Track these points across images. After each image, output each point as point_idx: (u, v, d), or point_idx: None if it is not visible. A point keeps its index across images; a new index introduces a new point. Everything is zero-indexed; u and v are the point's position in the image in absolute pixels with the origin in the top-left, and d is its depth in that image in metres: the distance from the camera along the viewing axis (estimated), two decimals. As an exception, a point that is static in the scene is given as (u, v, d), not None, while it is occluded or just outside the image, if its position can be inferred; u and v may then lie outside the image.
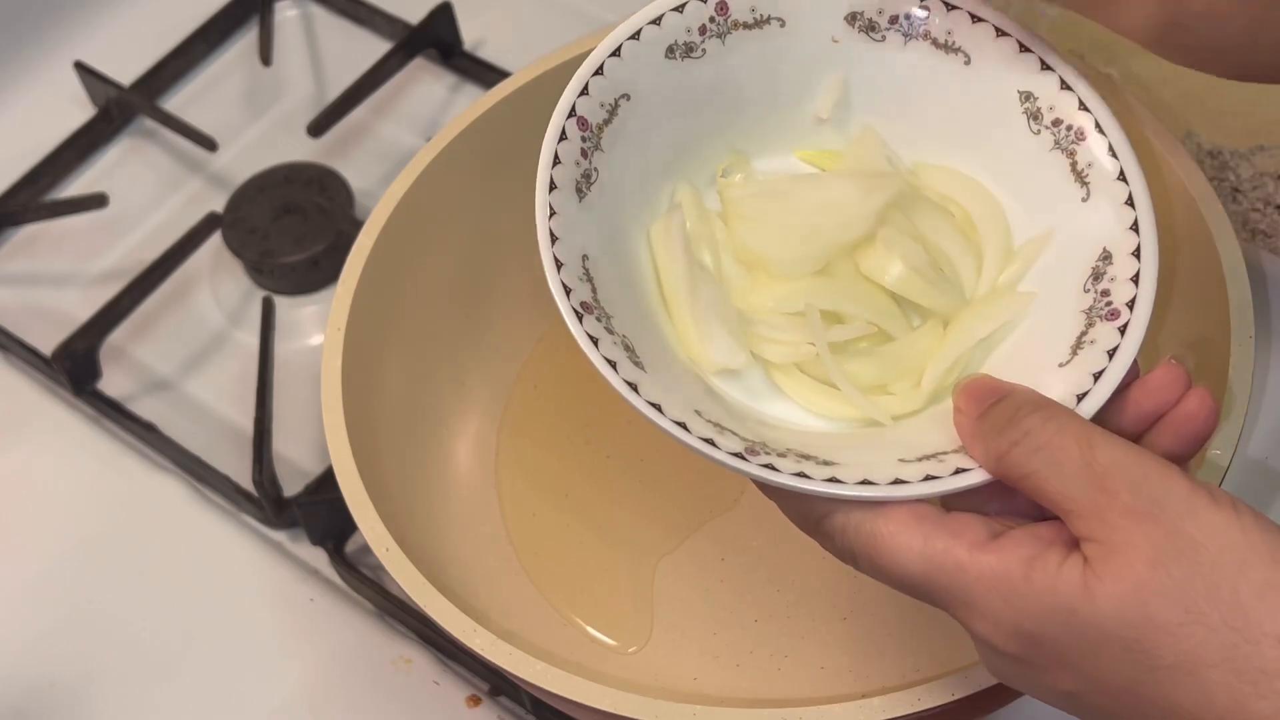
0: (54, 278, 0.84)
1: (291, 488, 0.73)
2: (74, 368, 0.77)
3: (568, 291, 0.49)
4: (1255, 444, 0.69)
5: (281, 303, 0.80)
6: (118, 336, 0.79)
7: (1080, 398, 0.48)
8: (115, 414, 0.77)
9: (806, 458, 0.48)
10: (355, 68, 0.85)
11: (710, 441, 0.47)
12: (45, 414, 0.78)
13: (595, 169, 0.53)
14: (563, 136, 0.52)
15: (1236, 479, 0.67)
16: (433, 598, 0.56)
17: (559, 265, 0.50)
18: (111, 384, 0.79)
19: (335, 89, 0.86)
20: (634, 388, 0.48)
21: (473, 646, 0.55)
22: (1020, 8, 0.80)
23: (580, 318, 0.49)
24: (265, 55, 0.89)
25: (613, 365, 0.48)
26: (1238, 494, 0.62)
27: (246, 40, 0.91)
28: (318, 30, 0.92)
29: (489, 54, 0.88)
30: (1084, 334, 0.51)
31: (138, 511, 0.74)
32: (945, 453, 0.48)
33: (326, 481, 0.70)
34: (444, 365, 0.70)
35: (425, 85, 0.88)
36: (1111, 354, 0.49)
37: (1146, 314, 0.50)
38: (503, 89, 0.68)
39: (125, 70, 0.88)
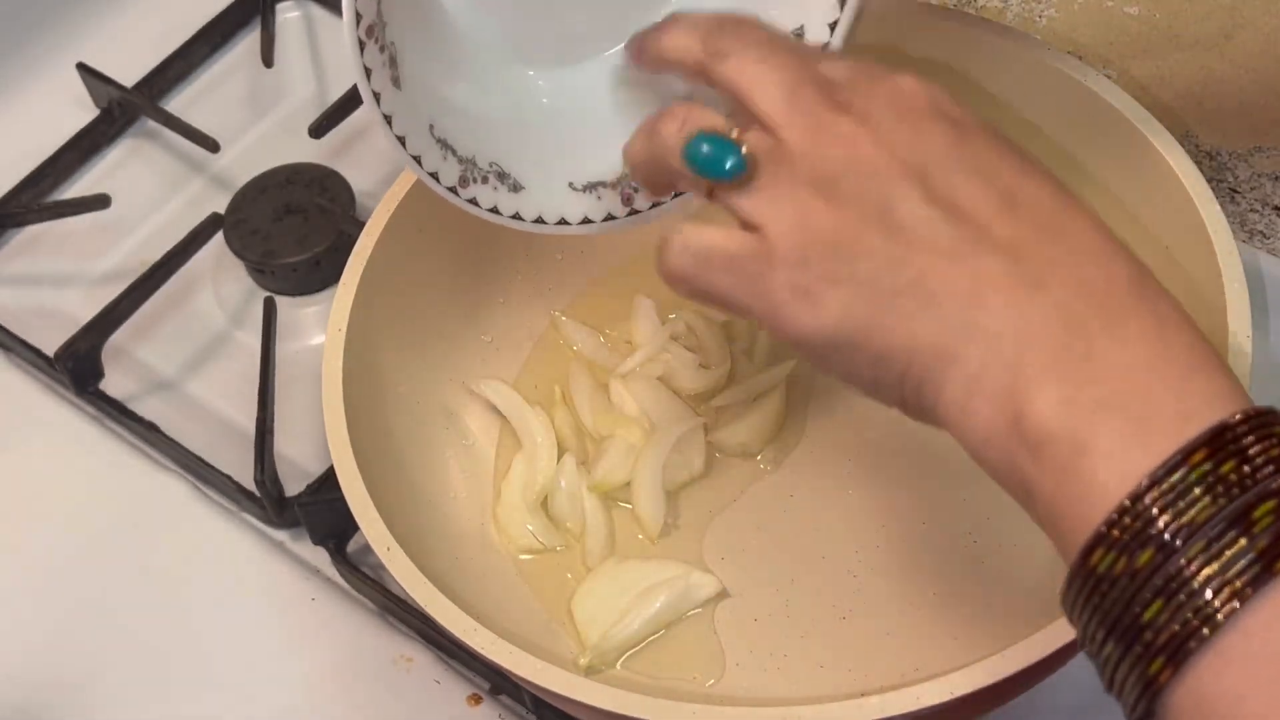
0: (56, 278, 0.84)
1: (293, 487, 0.73)
2: (76, 368, 0.77)
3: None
4: (1253, 444, 0.69)
5: (283, 303, 0.80)
6: (120, 337, 0.79)
7: None
8: (117, 414, 0.77)
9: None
10: (357, 69, 0.85)
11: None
12: (48, 414, 0.78)
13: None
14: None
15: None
16: (433, 597, 0.56)
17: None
18: (114, 384, 0.79)
19: (337, 90, 0.86)
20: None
21: (473, 645, 0.55)
22: (1020, 8, 0.80)
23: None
24: (267, 57, 0.89)
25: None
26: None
27: (248, 42, 0.91)
28: (319, 32, 0.92)
29: (490, 55, 0.88)
30: None
31: (140, 511, 0.74)
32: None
33: (328, 481, 0.71)
34: (444, 365, 0.71)
35: (426, 86, 0.88)
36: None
37: None
38: (503, 90, 0.68)
39: (127, 71, 0.88)
